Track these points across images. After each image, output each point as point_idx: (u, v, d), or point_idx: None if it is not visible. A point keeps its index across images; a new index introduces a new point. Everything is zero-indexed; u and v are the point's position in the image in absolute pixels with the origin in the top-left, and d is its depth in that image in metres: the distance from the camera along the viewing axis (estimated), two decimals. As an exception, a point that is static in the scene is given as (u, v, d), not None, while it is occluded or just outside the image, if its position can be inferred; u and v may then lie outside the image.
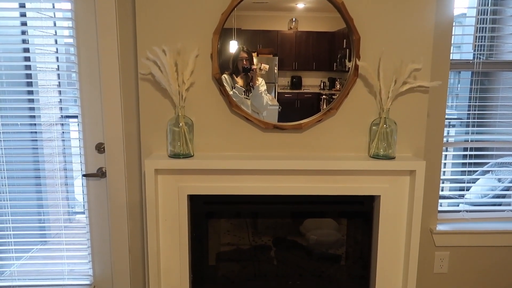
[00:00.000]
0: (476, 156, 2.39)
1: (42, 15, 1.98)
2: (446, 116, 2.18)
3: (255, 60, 1.82)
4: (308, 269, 2.16)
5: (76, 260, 2.18)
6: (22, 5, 1.99)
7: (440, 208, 2.31)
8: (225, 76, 1.81)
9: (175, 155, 1.79)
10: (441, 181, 2.25)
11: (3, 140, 2.03)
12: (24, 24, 2.03)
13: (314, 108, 1.88)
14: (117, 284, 2.14)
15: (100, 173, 2.04)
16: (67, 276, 2.17)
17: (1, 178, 2.06)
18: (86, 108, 2.00)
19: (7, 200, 2.08)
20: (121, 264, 2.12)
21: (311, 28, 1.82)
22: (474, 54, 2.31)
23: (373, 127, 1.86)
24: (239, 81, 1.83)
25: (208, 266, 2.06)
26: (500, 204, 2.46)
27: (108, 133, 1.98)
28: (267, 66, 1.83)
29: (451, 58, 2.10)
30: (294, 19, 1.79)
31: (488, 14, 2.29)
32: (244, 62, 1.82)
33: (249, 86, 1.84)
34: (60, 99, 2.10)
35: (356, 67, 1.80)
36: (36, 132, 2.08)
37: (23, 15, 2.01)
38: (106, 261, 2.15)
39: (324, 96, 1.88)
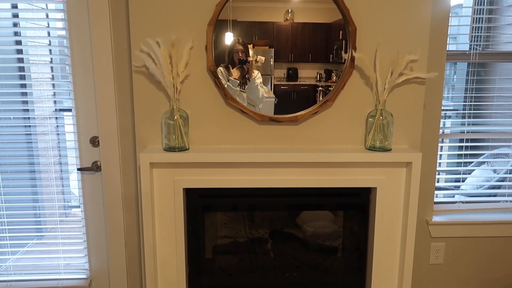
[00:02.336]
0: (472, 147, 2.39)
1: (34, 6, 1.95)
2: (442, 108, 2.17)
3: (251, 52, 1.80)
4: (305, 261, 2.17)
5: (72, 254, 2.17)
6: (14, -3, 1.96)
7: (436, 199, 2.32)
8: (220, 69, 1.79)
9: (170, 149, 1.78)
10: (437, 173, 2.25)
11: (-3, 135, 2.02)
12: (15, 16, 2.00)
13: (310, 100, 1.87)
14: (113, 277, 2.14)
15: (95, 167, 2.03)
16: (63, 270, 2.17)
17: (-5, 172, 2.05)
18: (80, 101, 1.97)
19: (1, 195, 2.06)
20: (117, 257, 2.11)
21: (307, 20, 1.80)
22: (470, 45, 2.30)
23: (370, 119, 1.86)
24: (235, 73, 1.81)
25: (205, 259, 2.06)
26: (495, 195, 2.47)
27: (103, 127, 1.96)
28: (263, 58, 1.82)
29: (447, 49, 2.09)
30: (290, 10, 1.78)
31: (485, 5, 2.28)
32: (240, 54, 1.80)
33: (245, 79, 1.83)
34: (54, 92, 2.08)
35: (352, 59, 1.79)
36: (30, 126, 2.06)
37: (14, 6, 1.98)
38: (102, 255, 2.15)
39: (320, 88, 1.87)
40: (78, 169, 2.04)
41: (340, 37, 1.81)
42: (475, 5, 2.26)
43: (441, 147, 2.32)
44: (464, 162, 2.39)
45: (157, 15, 1.75)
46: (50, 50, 2.08)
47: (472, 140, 2.37)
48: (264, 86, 1.85)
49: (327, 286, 2.10)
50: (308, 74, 1.86)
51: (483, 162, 2.53)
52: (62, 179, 2.13)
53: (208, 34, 1.74)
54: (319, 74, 1.86)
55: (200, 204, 1.93)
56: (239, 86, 1.82)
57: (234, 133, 1.87)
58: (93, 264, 2.16)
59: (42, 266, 2.16)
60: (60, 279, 2.16)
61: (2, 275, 2.15)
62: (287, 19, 1.79)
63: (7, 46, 2.02)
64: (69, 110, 2.03)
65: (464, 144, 2.36)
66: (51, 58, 2.06)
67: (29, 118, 2.05)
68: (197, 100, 1.83)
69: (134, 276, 2.17)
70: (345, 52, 1.81)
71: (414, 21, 1.81)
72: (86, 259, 2.16)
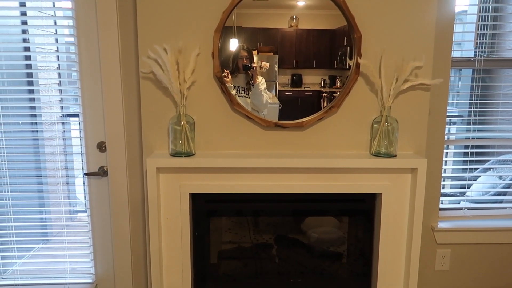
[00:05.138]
0: (477, 154, 2.39)
1: (42, 14, 1.98)
2: (447, 114, 2.18)
3: (255, 58, 1.82)
4: (310, 266, 2.17)
5: (78, 258, 2.18)
6: (23, 4, 1.99)
7: (441, 206, 2.31)
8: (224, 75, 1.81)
9: (176, 154, 1.79)
10: (442, 179, 2.25)
11: (5, 139, 2.03)
12: (24, 23, 2.03)
13: (314, 106, 1.88)
14: (119, 282, 2.15)
15: (102, 172, 2.04)
16: (69, 275, 2.18)
17: (3, 177, 2.06)
18: (87, 106, 2.00)
19: (9, 199, 2.08)
20: (123, 262, 2.12)
21: (312, 26, 1.81)
22: (475, 52, 2.30)
23: (375, 125, 1.86)
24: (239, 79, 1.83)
25: (210, 264, 2.06)
26: (501, 202, 2.46)
27: (110, 132, 1.98)
28: (267, 64, 1.83)
29: (452, 55, 2.10)
30: (294, 17, 1.79)
31: (489, 12, 2.28)
32: (245, 61, 1.81)
33: (249, 85, 1.84)
34: (61, 98, 2.10)
35: (358, 65, 1.80)
36: (37, 131, 2.08)
37: (23, 14, 2.01)
38: (108, 260, 2.15)
39: (324, 94, 1.88)
40: (85, 174, 2.06)
41: (345, 43, 1.82)
42: (479, 12, 2.27)
43: (447, 153, 2.32)
44: (470, 169, 2.38)
45: (164, 22, 1.77)
46: (58, 56, 2.11)
47: (478, 147, 2.37)
48: (268, 92, 1.86)
49: (332, 292, 2.10)
50: (313, 80, 1.87)
51: (488, 169, 2.52)
52: (69, 183, 2.14)
53: (214, 40, 1.76)
54: (324, 80, 1.87)
55: (206, 209, 1.94)
56: (243, 91, 1.84)
57: (240, 139, 1.88)
58: (98, 269, 2.17)
59: (48, 270, 2.17)
60: (66, 283, 2.17)
61: (8, 279, 2.16)
62: (291, 26, 1.80)
63: (16, 53, 2.05)
64: (76, 115, 2.05)
65: (469, 150, 2.35)
66: (59, 64, 2.09)
67: (36, 123, 2.07)
68: (203, 106, 1.84)
69: (139, 280, 2.17)
70: (350, 58, 1.82)
71: (419, 27, 1.82)
72: (92, 263, 2.16)
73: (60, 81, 2.12)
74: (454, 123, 2.52)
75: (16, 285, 2.15)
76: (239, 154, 1.85)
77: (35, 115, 2.07)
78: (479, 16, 2.28)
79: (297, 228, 2.20)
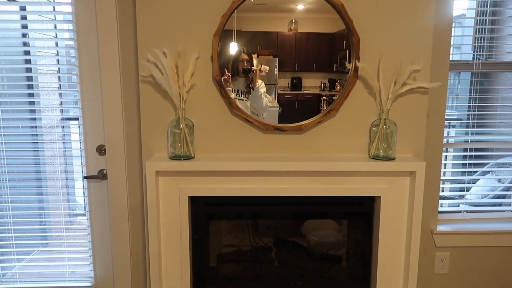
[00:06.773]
0: (476, 157, 2.39)
1: (43, 18, 1.99)
2: (446, 117, 2.18)
3: (255, 62, 1.83)
4: (309, 270, 2.17)
5: (77, 262, 2.18)
6: (23, 8, 2.00)
7: (440, 209, 2.32)
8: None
9: (176, 157, 1.79)
10: (441, 182, 2.25)
11: (4, 143, 2.04)
12: (25, 26, 2.04)
13: (314, 109, 1.88)
14: (118, 285, 2.15)
15: (101, 175, 2.05)
16: (68, 278, 2.18)
17: (2, 180, 2.07)
18: (87, 110, 2.00)
19: (8, 203, 2.08)
20: (122, 265, 2.12)
21: (311, 30, 1.82)
22: (473, 55, 2.31)
23: (373, 128, 1.87)
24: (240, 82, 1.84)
25: (209, 268, 2.06)
26: (500, 205, 2.46)
27: (109, 135, 1.99)
28: (267, 68, 1.84)
29: (450, 59, 2.11)
30: (294, 21, 1.80)
31: (487, 15, 2.30)
32: (245, 64, 1.82)
33: (248, 88, 1.85)
34: (61, 101, 2.11)
35: (356, 69, 1.81)
36: (37, 134, 2.08)
37: (24, 18, 2.02)
38: (107, 263, 2.15)
39: (324, 97, 1.88)
40: (84, 177, 2.06)
41: (344, 47, 1.83)
42: (478, 15, 2.28)
43: (446, 156, 2.32)
44: (469, 172, 2.39)
45: (164, 26, 1.78)
46: (58, 60, 2.11)
47: (476, 150, 2.38)
48: (268, 95, 1.86)
49: (331, 295, 2.10)
50: (312, 83, 1.87)
51: (487, 172, 2.53)
52: (68, 187, 2.14)
53: (213, 44, 1.76)
54: (323, 83, 1.88)
55: (205, 212, 1.94)
56: (243, 95, 1.84)
57: (239, 142, 1.89)
58: (98, 272, 2.17)
59: (47, 273, 2.17)
60: (65, 287, 2.17)
61: (8, 282, 2.16)
62: (291, 29, 1.81)
63: (16, 56, 2.05)
64: (76, 118, 2.05)
65: (468, 153, 2.36)
66: (59, 68, 2.09)
67: (36, 126, 2.07)
68: (203, 109, 1.85)
69: (139, 284, 2.17)
70: (349, 62, 1.83)
71: (417, 31, 1.83)
72: (91, 267, 2.16)
73: (60, 85, 2.13)
74: (453, 126, 2.53)
75: (15, 288, 2.16)
76: (238, 157, 1.85)
77: (35, 119, 2.07)
78: (477, 19, 2.29)
79: (296, 231, 2.20)
